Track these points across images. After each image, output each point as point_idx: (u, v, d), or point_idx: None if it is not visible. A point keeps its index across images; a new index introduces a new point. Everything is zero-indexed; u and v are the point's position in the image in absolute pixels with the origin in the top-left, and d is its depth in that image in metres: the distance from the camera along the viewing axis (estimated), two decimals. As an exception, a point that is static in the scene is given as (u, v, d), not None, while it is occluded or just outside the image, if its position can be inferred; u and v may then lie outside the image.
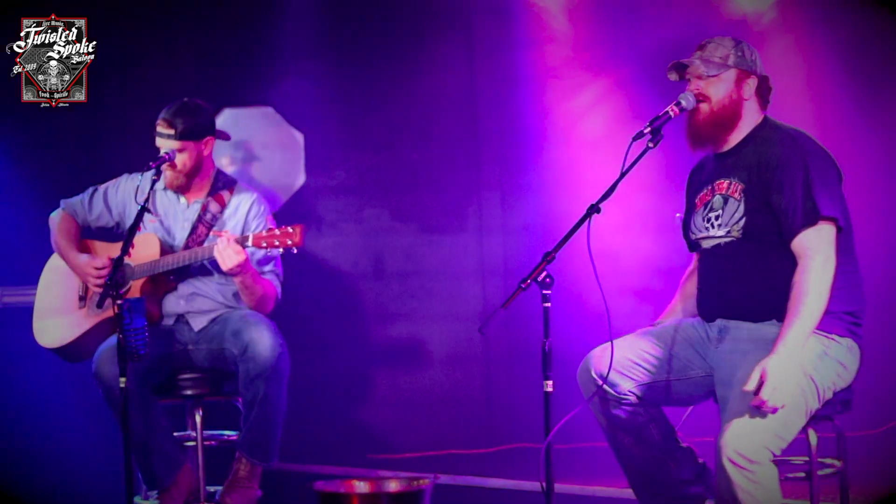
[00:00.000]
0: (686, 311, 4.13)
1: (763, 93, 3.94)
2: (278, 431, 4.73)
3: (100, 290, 4.85)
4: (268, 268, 4.88)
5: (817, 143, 3.88)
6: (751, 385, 3.59)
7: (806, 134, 3.90)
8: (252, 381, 4.65)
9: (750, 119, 3.93)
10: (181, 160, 4.81)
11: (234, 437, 4.85)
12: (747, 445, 3.57)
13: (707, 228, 3.94)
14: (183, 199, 4.93)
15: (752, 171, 3.85)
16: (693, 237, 4.02)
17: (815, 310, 3.67)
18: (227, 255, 4.58)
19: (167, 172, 4.82)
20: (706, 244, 3.96)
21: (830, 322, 3.76)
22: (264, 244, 4.55)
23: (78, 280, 4.97)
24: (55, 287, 5.03)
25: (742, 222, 3.85)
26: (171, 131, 4.79)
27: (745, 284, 3.86)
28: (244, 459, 4.73)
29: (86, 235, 5.07)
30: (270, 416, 4.68)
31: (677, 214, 5.13)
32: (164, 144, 4.79)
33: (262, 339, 4.65)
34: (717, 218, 3.91)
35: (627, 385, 3.95)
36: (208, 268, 4.85)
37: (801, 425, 3.73)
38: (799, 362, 3.67)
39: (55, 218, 5.03)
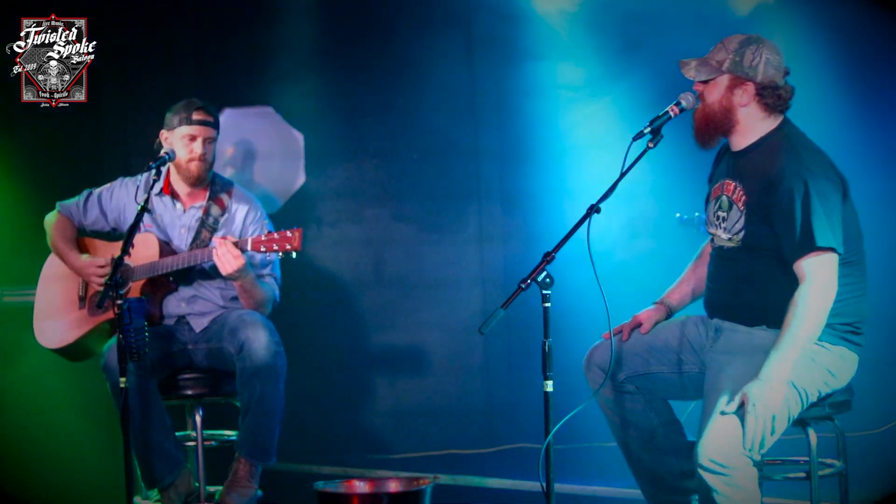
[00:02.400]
0: (694, 289, 4.16)
1: (768, 99, 3.86)
2: (276, 430, 4.73)
3: (102, 288, 4.85)
4: (266, 271, 4.87)
5: (824, 158, 3.83)
6: (733, 407, 3.61)
7: (814, 149, 3.85)
8: (249, 379, 4.65)
9: (756, 124, 3.88)
10: (211, 150, 4.85)
11: (234, 438, 4.84)
12: (721, 451, 3.59)
13: (716, 226, 3.96)
14: (179, 205, 4.92)
15: (755, 187, 3.82)
16: (707, 228, 4.05)
17: (806, 336, 3.67)
18: (225, 259, 4.58)
19: (193, 165, 4.81)
20: (716, 241, 3.99)
21: (823, 331, 3.75)
22: (263, 248, 4.54)
23: (77, 280, 4.97)
24: (54, 288, 5.03)
25: (741, 234, 3.85)
26: (211, 119, 4.83)
27: (743, 290, 3.88)
28: (243, 459, 4.73)
29: (83, 236, 5.05)
30: (268, 415, 4.68)
31: (677, 214, 5.13)
32: (203, 132, 4.79)
33: (259, 338, 4.64)
34: (723, 220, 3.92)
35: (625, 374, 3.99)
36: (208, 271, 4.85)
37: (783, 430, 3.74)
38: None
39: (51, 220, 5.01)
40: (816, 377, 3.78)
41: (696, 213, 5.32)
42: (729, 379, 3.68)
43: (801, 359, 3.72)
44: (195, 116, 4.79)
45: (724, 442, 3.59)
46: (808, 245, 3.69)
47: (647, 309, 4.12)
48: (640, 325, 4.08)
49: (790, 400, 3.72)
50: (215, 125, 4.85)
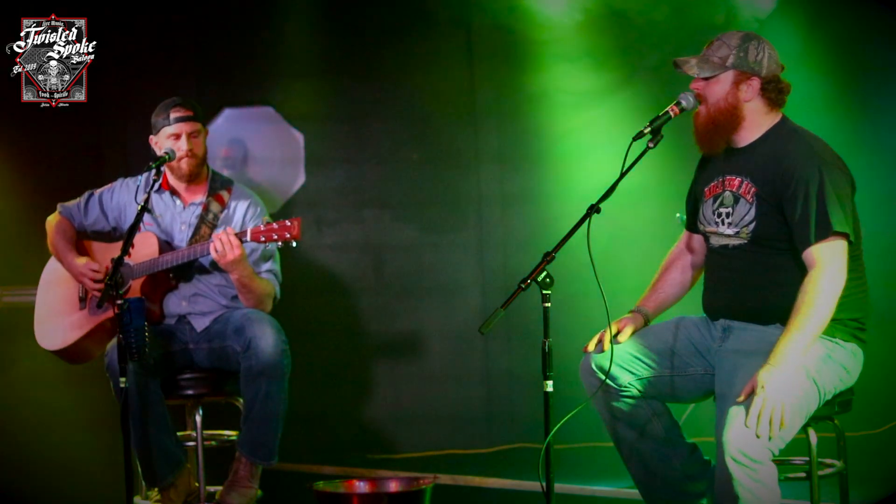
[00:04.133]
0: (669, 295, 4.14)
1: (771, 93, 3.86)
2: (279, 430, 4.72)
3: (97, 292, 4.85)
4: (266, 267, 4.87)
5: (832, 152, 3.84)
6: (744, 395, 3.60)
7: (822, 142, 3.86)
8: (254, 378, 4.65)
9: (759, 119, 3.88)
10: (198, 144, 4.84)
11: (235, 438, 4.84)
12: (750, 445, 3.57)
13: (717, 224, 3.93)
14: (179, 202, 4.92)
15: (766, 178, 3.81)
16: (702, 228, 4.02)
17: (817, 321, 3.65)
18: (224, 249, 4.58)
19: (183, 163, 4.81)
20: (714, 241, 3.96)
21: (834, 327, 3.75)
22: (262, 238, 4.55)
23: (77, 282, 4.97)
24: (55, 289, 5.03)
25: (752, 226, 3.83)
26: (191, 113, 4.83)
27: (752, 289, 3.86)
28: (244, 459, 4.73)
29: (83, 238, 5.05)
30: (272, 414, 4.68)
31: (677, 215, 5.13)
32: (184, 128, 4.79)
33: (266, 337, 4.64)
34: (727, 216, 3.90)
35: (627, 378, 3.96)
36: (209, 268, 4.85)
37: (800, 426, 3.74)
38: (802, 365, 3.67)
39: (51, 221, 5.01)
40: (833, 374, 3.77)
41: (678, 214, 5.32)
42: (747, 378, 3.64)
43: (817, 355, 3.72)
44: (173, 114, 4.80)
45: (752, 436, 3.57)
46: (825, 231, 3.69)
47: (623, 318, 4.06)
48: (618, 333, 4.02)
49: (809, 396, 3.71)
50: (197, 118, 4.85)
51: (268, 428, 4.69)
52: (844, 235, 3.72)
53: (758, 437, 3.56)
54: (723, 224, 3.91)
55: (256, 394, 4.65)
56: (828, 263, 3.69)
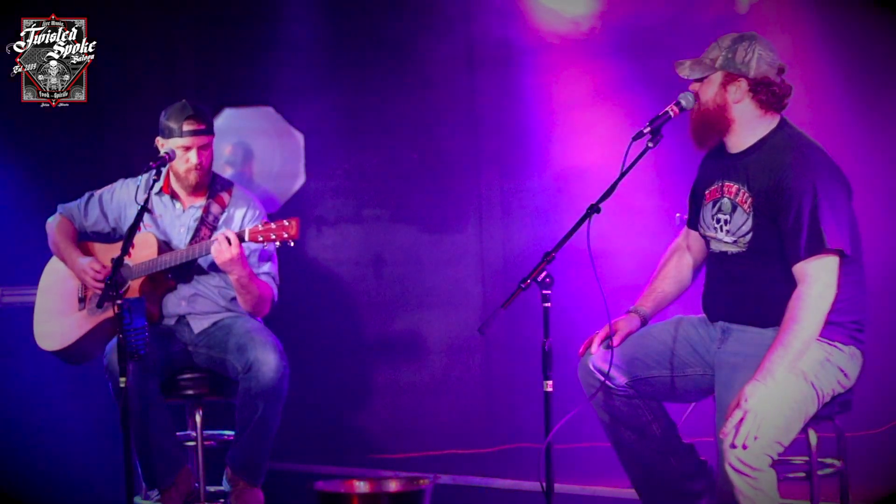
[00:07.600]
0: (667, 295, 4.14)
1: (762, 95, 3.86)
2: (269, 451, 4.70)
3: (99, 291, 4.84)
4: (264, 268, 4.86)
5: (828, 159, 3.82)
6: (730, 411, 3.61)
7: (818, 149, 3.84)
8: (252, 399, 4.62)
9: (753, 123, 3.88)
10: (207, 156, 4.82)
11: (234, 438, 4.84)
12: (748, 453, 3.58)
13: (715, 230, 3.94)
14: (178, 205, 4.91)
15: (761, 189, 3.81)
16: (702, 232, 4.02)
17: (803, 337, 3.66)
18: (222, 249, 4.57)
19: (191, 175, 4.80)
20: (714, 246, 3.96)
21: (834, 330, 3.76)
22: (261, 238, 4.54)
23: (77, 281, 4.97)
24: (55, 289, 5.02)
25: (749, 237, 3.83)
26: (204, 126, 4.79)
27: (751, 294, 3.86)
28: (239, 481, 4.71)
29: (83, 239, 5.05)
30: (264, 437, 4.66)
31: (677, 214, 5.14)
32: (196, 142, 4.76)
33: (268, 361, 4.62)
34: (725, 223, 3.90)
35: (625, 379, 3.96)
36: (208, 269, 4.84)
37: (798, 429, 3.75)
38: (801, 368, 3.68)
39: (52, 222, 5.01)
40: (832, 377, 3.78)
41: (678, 214, 5.33)
42: (745, 381, 3.65)
43: (816, 359, 3.73)
44: (186, 127, 4.75)
45: (752, 444, 3.59)
46: (817, 246, 3.69)
47: (619, 320, 4.06)
48: (614, 334, 4.01)
49: (807, 399, 3.73)
50: (209, 130, 4.82)
51: (260, 449, 4.67)
52: (837, 252, 3.71)
53: (730, 445, 3.57)
54: (721, 231, 3.91)
55: (252, 415, 4.63)
56: (816, 279, 3.69)
